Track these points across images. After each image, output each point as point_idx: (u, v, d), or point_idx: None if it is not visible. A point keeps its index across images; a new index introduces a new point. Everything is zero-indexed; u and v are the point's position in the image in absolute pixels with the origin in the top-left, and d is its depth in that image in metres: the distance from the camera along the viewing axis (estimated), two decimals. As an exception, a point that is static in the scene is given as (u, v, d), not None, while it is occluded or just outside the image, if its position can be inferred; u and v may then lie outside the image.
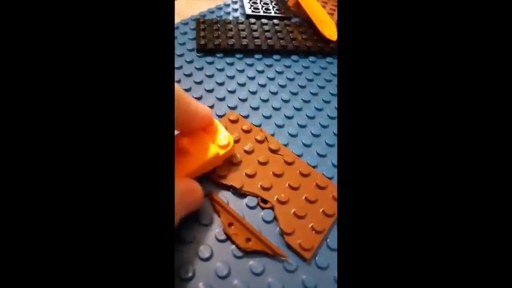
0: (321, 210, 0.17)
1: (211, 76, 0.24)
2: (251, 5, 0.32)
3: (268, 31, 0.28)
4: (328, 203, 0.17)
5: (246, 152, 0.19)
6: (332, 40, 0.28)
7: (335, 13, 0.33)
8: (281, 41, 0.27)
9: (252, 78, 0.24)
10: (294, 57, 0.27)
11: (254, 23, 0.29)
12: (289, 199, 0.17)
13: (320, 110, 0.23)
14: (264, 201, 0.17)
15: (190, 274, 0.14)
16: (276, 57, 0.26)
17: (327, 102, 0.24)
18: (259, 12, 0.31)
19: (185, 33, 0.27)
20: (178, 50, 0.25)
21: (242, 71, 0.25)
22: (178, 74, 0.24)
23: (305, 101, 0.23)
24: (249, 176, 0.18)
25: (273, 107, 0.22)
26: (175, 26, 0.28)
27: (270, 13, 0.31)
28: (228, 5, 0.32)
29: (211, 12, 0.31)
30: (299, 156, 0.20)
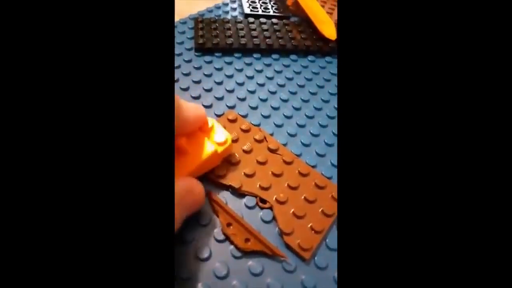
0: (320, 210, 0.17)
1: (209, 76, 0.24)
2: (250, 4, 0.32)
3: (266, 30, 0.28)
4: (327, 203, 0.17)
5: (245, 151, 0.19)
6: (331, 39, 0.28)
7: (334, 12, 0.33)
8: (279, 40, 0.27)
9: (251, 78, 0.24)
10: (293, 57, 0.27)
11: (252, 22, 0.29)
12: (288, 199, 0.17)
13: (319, 109, 0.23)
14: (263, 201, 0.17)
15: (188, 274, 0.14)
16: (275, 56, 0.26)
17: (326, 101, 0.23)
18: (257, 11, 0.31)
19: (183, 32, 0.27)
20: (176, 49, 0.25)
21: (240, 70, 0.25)
22: (176, 74, 0.23)
23: (304, 101, 0.23)
24: (248, 175, 0.18)
25: (272, 107, 0.22)
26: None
27: (269, 12, 0.31)
28: (226, 4, 0.32)
29: (210, 11, 0.30)
30: (298, 155, 0.20)
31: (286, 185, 0.18)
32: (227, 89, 0.23)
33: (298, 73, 0.25)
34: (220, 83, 0.23)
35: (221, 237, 0.15)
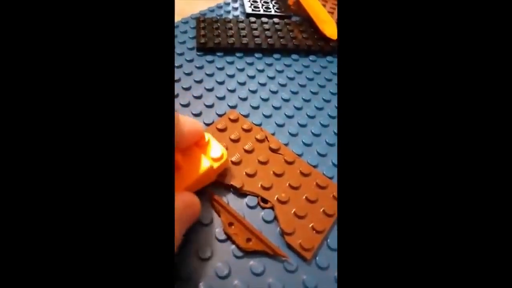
0: (321, 210, 0.17)
1: (211, 75, 0.24)
2: (251, 4, 0.32)
3: (268, 30, 0.28)
4: (328, 203, 0.17)
5: (246, 151, 0.19)
6: (332, 39, 0.28)
7: (335, 12, 0.33)
8: (281, 40, 0.27)
9: (252, 77, 0.24)
10: (294, 56, 0.27)
11: (254, 22, 0.29)
12: (289, 199, 0.17)
13: (320, 109, 0.23)
14: (265, 200, 0.17)
15: (190, 274, 0.14)
16: (276, 56, 0.26)
17: (328, 101, 0.23)
18: (259, 11, 0.31)
19: (185, 32, 0.27)
20: (178, 48, 0.25)
21: (242, 70, 0.25)
22: (178, 73, 0.23)
23: (305, 100, 0.23)
24: (250, 175, 0.18)
25: (273, 106, 0.22)
26: (175, 24, 0.28)
27: (270, 11, 0.31)
28: (228, 4, 0.32)
29: (211, 10, 0.30)
30: (300, 155, 0.20)
31: (287, 185, 0.18)
32: (229, 88, 0.23)
33: (300, 72, 0.25)
34: (221, 83, 0.23)
35: (223, 236, 0.15)
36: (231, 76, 0.24)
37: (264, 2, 0.33)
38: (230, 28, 0.27)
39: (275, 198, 0.17)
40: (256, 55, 0.26)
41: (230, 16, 0.30)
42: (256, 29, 0.28)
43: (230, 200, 0.17)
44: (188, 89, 0.22)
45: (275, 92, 0.23)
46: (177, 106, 0.21)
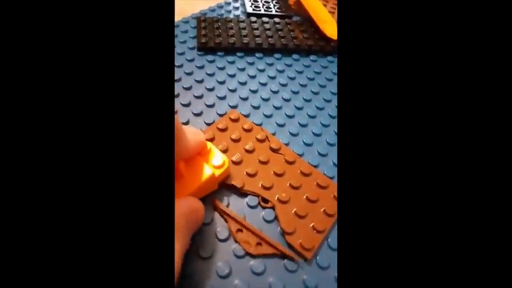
0: (322, 210, 0.17)
1: (212, 75, 0.24)
2: (252, 4, 0.32)
3: (269, 29, 0.28)
4: (329, 203, 0.17)
5: (247, 151, 0.19)
6: (333, 39, 0.28)
7: (336, 12, 0.33)
8: (282, 39, 0.27)
9: (253, 77, 0.24)
10: (295, 56, 0.27)
11: (255, 22, 0.29)
12: (290, 199, 0.17)
13: (321, 109, 0.23)
14: (265, 200, 0.17)
15: (190, 273, 0.14)
16: (277, 55, 0.26)
17: (328, 101, 0.23)
18: (260, 10, 0.31)
19: (186, 31, 0.27)
20: (178, 48, 0.25)
21: (243, 69, 0.25)
22: (178, 73, 0.23)
23: (306, 100, 0.23)
24: (250, 175, 0.18)
25: (274, 106, 0.22)
26: (176, 24, 0.28)
27: (271, 11, 0.31)
28: (229, 4, 0.32)
29: (212, 10, 0.30)
30: (300, 155, 0.20)
31: (288, 184, 0.18)
32: (230, 88, 0.23)
33: (300, 72, 0.25)
34: (222, 83, 0.23)
35: (223, 236, 0.15)
36: (232, 76, 0.24)
37: (265, 1, 0.33)
38: (231, 28, 0.27)
39: (276, 198, 0.17)
40: (257, 54, 0.26)
41: (231, 16, 0.30)
42: (257, 28, 0.28)
43: (231, 200, 0.17)
44: (188, 88, 0.22)
45: (275, 92, 0.23)
46: (177, 105, 0.21)
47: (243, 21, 0.28)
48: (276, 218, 0.16)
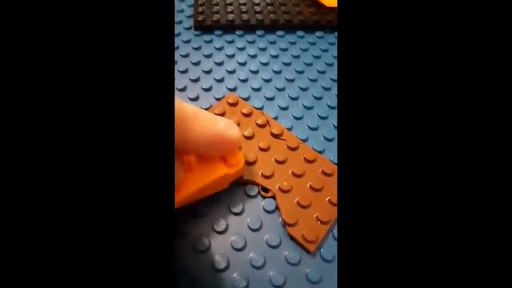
0: (327, 199, 0.16)
1: (209, 56, 0.22)
2: (253, -23, 0.29)
3: (271, 4, 0.26)
4: (335, 191, 0.16)
5: (246, 137, 0.18)
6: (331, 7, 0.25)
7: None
8: (285, 15, 0.25)
9: (254, 57, 0.23)
10: (300, 33, 0.25)
11: (256, -4, 0.26)
12: (292, 188, 0.16)
13: (327, 89, 0.21)
14: (265, 189, 0.16)
15: (186, 268, 0.14)
16: (279, 33, 0.24)
17: (335, 81, 0.22)
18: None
19: (181, 11, 0.25)
20: (174, 29, 0.24)
21: (242, 49, 0.23)
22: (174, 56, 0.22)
23: (311, 80, 0.21)
24: (249, 163, 0.17)
25: (276, 88, 0.21)
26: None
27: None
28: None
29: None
30: (304, 140, 0.18)
31: (290, 172, 0.16)
32: (228, 70, 0.21)
33: (305, 50, 0.23)
34: (220, 64, 0.22)
35: (221, 228, 0.15)
36: (231, 56, 0.22)
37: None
38: (230, 4, 0.25)
39: (277, 187, 0.16)
40: (258, 32, 0.24)
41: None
42: (258, 4, 0.26)
43: (229, 188, 0.16)
44: (184, 72, 0.21)
45: (278, 73, 0.22)
46: (173, 90, 0.20)
47: (243, -4, 0.26)
48: (277, 208, 0.15)
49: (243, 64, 0.22)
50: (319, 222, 0.15)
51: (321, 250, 0.14)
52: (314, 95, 0.21)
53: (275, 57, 0.23)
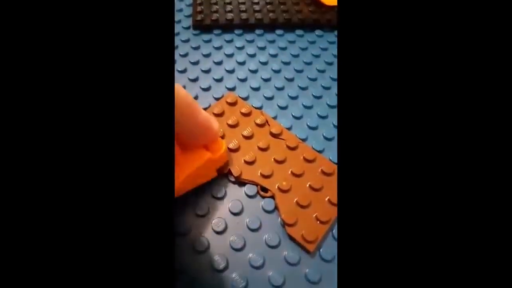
0: (326, 199, 0.16)
1: (208, 55, 0.22)
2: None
3: (270, 3, 0.26)
4: (334, 191, 0.16)
5: (245, 137, 0.17)
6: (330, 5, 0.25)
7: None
8: (284, 14, 0.25)
9: (253, 56, 0.22)
10: (299, 32, 0.24)
11: (255, -5, 0.26)
12: (291, 187, 0.16)
13: (327, 88, 0.21)
14: (264, 189, 0.16)
15: (185, 268, 0.13)
16: (279, 32, 0.24)
17: (335, 79, 0.21)
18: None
19: (180, 10, 0.25)
20: (174, 28, 0.24)
21: (241, 48, 0.23)
22: (173, 54, 0.22)
23: (311, 79, 0.21)
24: (248, 163, 0.16)
25: (275, 87, 0.21)
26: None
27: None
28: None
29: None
30: (304, 140, 0.18)
31: (289, 172, 0.16)
32: (227, 69, 0.21)
33: (305, 49, 0.23)
34: (219, 63, 0.22)
35: (220, 228, 0.15)
36: (230, 56, 0.22)
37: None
38: (229, 3, 0.25)
39: (276, 187, 0.16)
40: (257, 31, 0.24)
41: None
42: (257, 3, 0.26)
43: (228, 189, 0.16)
44: (183, 71, 0.21)
45: (277, 72, 0.22)
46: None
47: (242, -5, 0.26)
48: (276, 208, 0.15)
49: (242, 63, 0.22)
50: (318, 222, 0.15)
51: (321, 250, 0.14)
52: (313, 94, 0.20)
53: (274, 56, 0.23)
